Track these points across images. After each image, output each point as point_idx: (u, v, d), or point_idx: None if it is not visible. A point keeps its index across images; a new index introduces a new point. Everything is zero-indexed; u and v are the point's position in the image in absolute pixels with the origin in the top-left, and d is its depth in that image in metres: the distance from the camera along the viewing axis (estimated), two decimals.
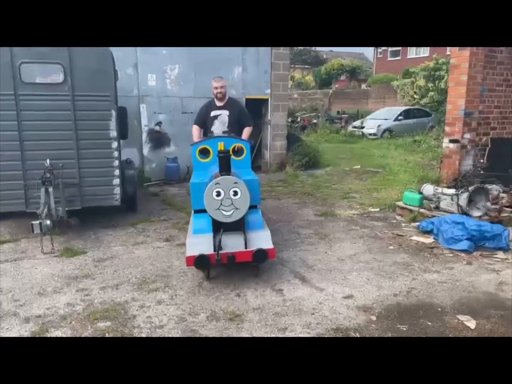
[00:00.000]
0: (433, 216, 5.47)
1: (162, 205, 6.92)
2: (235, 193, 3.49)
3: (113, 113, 5.27)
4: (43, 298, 3.53)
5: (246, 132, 5.12)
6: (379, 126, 16.82)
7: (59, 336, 2.95)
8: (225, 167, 3.61)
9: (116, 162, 5.39)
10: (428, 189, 6.01)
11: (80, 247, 4.77)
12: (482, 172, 6.25)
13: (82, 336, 2.94)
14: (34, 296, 3.57)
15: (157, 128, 9.00)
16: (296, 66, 33.79)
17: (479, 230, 4.61)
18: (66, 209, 4.97)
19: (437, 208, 5.77)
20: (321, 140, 15.83)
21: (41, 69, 4.98)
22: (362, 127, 17.31)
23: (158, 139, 9.08)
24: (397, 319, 3.18)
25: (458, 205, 5.43)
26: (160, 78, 8.88)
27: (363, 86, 27.87)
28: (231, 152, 4.03)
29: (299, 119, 20.15)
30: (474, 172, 6.32)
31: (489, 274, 4.01)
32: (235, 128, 5.10)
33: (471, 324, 3.09)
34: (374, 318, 3.20)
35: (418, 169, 9.31)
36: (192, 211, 4.05)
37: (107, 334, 2.97)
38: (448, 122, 6.91)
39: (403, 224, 5.64)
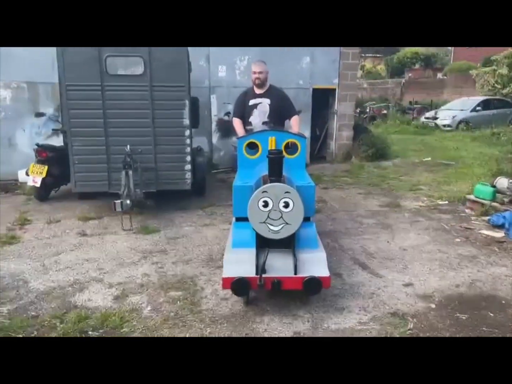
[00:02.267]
0: (506, 210, 5.24)
1: (228, 191, 7.21)
2: (286, 204, 2.85)
3: (187, 102, 5.62)
4: (123, 268, 3.94)
5: (296, 122, 4.64)
6: (454, 117, 16.00)
7: (137, 301, 3.31)
8: (275, 171, 3.03)
9: (188, 149, 5.75)
10: (502, 182, 5.74)
11: (155, 226, 5.18)
12: None
13: (158, 301, 3.28)
14: (116, 266, 3.99)
15: (226, 118, 9.34)
16: (367, 55, 32.83)
17: None
18: (143, 191, 5.42)
19: (511, 202, 5.51)
20: (391, 131, 15.40)
21: (124, 62, 5.43)
22: (436, 118, 16.55)
23: (227, 129, 9.43)
24: (457, 308, 3.18)
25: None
26: (230, 69, 9.19)
27: (439, 75, 26.50)
28: (283, 149, 3.64)
29: (368, 109, 19.70)
30: None
31: None
32: (276, 118, 4.66)
33: None
34: (433, 306, 3.23)
35: (494, 162, 8.82)
36: (233, 219, 3.54)
37: (178, 302, 3.29)
38: None
39: (472, 218, 5.46)
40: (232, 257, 3.11)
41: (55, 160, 6.24)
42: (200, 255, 4.24)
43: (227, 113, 9.32)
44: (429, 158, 10.45)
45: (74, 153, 5.50)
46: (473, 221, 5.33)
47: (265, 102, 4.61)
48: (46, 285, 3.59)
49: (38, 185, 6.10)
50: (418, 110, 19.61)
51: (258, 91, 4.66)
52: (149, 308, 3.21)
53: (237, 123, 4.70)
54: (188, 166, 5.78)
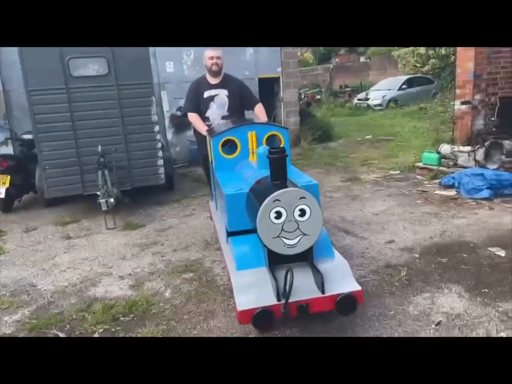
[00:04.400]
0: (452, 172, 5.95)
1: (195, 184, 7.41)
2: (302, 212, 2.38)
3: (154, 99, 5.74)
4: (127, 261, 4.06)
5: (261, 111, 4.21)
6: (384, 96, 17.16)
7: (155, 286, 3.49)
8: (279, 173, 2.50)
9: (159, 144, 5.88)
10: (446, 148, 6.49)
11: (138, 222, 5.29)
12: (494, 129, 6.69)
13: (175, 284, 3.49)
14: (118, 260, 4.11)
15: (178, 113, 9.43)
16: None
17: (498, 179, 5.11)
18: (120, 190, 5.48)
19: (455, 165, 6.25)
20: (328, 115, 16.19)
21: (87, 63, 5.42)
22: (367, 99, 17.64)
23: (180, 124, 9.54)
24: (437, 254, 3.70)
25: (475, 160, 5.92)
26: (178, 64, 9.30)
27: (362, 58, 28.00)
28: (264, 142, 3.31)
29: (303, 96, 20.45)
30: (487, 130, 6.76)
31: (510, 216, 4.51)
32: (237, 110, 4.26)
33: (501, 253, 3.61)
34: (417, 255, 3.73)
35: (431, 134, 9.74)
36: (225, 234, 3.02)
37: (194, 282, 3.51)
38: (459, 85, 7.33)
39: (425, 182, 6.14)
40: (243, 282, 2.53)
41: (16, 169, 6.08)
42: (195, 242, 4.46)
43: (179, 108, 9.42)
44: (370, 136, 11.26)
45: (44, 158, 5.42)
46: (426, 185, 6.00)
47: (222, 94, 4.18)
48: (56, 285, 3.65)
49: (2, 195, 5.93)
50: (349, 92, 20.69)
51: (213, 80, 4.19)
52: (169, 290, 3.41)
53: (194, 118, 4.19)
54: (160, 161, 5.90)
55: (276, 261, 2.57)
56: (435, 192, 5.58)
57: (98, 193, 5.18)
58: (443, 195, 5.41)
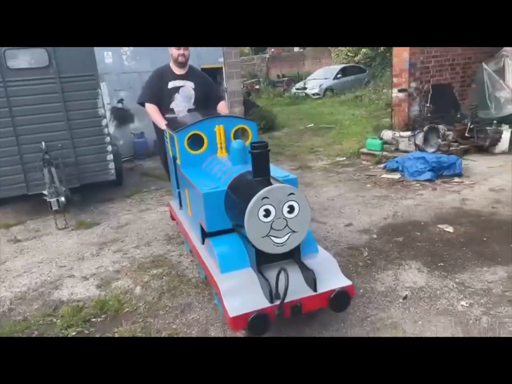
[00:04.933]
0: (395, 156, 6.32)
1: (144, 178, 7.24)
2: (291, 209, 2.29)
3: (100, 91, 5.51)
4: (87, 261, 3.92)
5: (225, 108, 4.16)
6: (321, 85, 17.67)
7: (123, 284, 3.41)
8: (263, 169, 2.36)
9: (108, 138, 5.66)
10: (387, 134, 6.86)
11: (90, 220, 5.09)
12: (429, 115, 7.17)
13: (144, 280, 3.42)
14: (77, 261, 3.95)
15: (119, 105, 9.10)
16: None
17: (438, 162, 5.50)
18: (69, 187, 5.23)
19: (397, 149, 6.64)
20: (268, 104, 16.40)
21: (26, 55, 5.08)
22: (305, 88, 18.06)
23: (122, 116, 9.20)
24: (393, 234, 3.95)
25: (415, 144, 6.32)
26: (116, 55, 8.94)
27: (296, 48, 28.52)
28: (232, 137, 3.19)
29: (242, 86, 20.49)
30: (423, 116, 7.22)
31: (452, 194, 4.90)
32: (203, 104, 4.09)
33: (450, 229, 3.92)
34: (375, 236, 3.95)
35: (369, 121, 10.21)
36: (200, 235, 2.95)
37: (164, 277, 3.47)
38: (396, 73, 7.74)
39: (370, 167, 6.46)
40: (231, 286, 2.40)
41: None
42: (157, 237, 4.38)
43: (120, 100, 9.10)
44: (312, 124, 11.58)
45: None
46: (372, 170, 6.32)
47: (189, 85, 4.01)
48: (13, 291, 3.44)
49: None
50: (286, 82, 21.06)
51: (178, 71, 4.01)
52: (139, 287, 3.34)
53: (152, 110, 3.96)
54: (110, 156, 5.69)
55: (262, 260, 2.48)
56: (382, 176, 5.90)
57: (45, 192, 4.91)
58: (389, 179, 5.73)
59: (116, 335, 2.73)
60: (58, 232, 4.78)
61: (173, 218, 4.26)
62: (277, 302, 2.28)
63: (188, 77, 4.03)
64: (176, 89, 3.98)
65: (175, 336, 2.69)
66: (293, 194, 2.28)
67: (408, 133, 6.57)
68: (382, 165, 6.33)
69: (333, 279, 2.49)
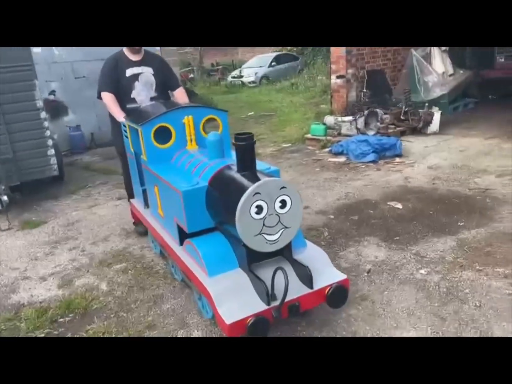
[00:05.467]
0: (339, 141, 6.58)
1: (87, 172, 6.94)
2: (283, 203, 2.18)
3: (36, 83, 5.18)
4: (41, 261, 3.72)
5: (184, 95, 3.94)
6: (256, 73, 17.79)
7: (87, 282, 3.29)
8: (248, 162, 2.27)
9: (48, 132, 5.35)
10: (330, 119, 7.12)
11: (36, 219, 4.81)
12: (367, 100, 7.53)
13: (108, 276, 3.33)
14: (30, 261, 3.74)
15: (51, 97, 8.60)
16: None
17: (380, 144, 5.82)
18: (9, 185, 4.91)
19: (340, 134, 6.91)
20: (207, 93, 16.26)
21: None
22: (241, 76, 18.09)
23: (55, 109, 8.70)
24: (348, 213, 4.15)
25: (356, 128, 6.62)
26: None
27: None
28: (201, 128, 3.03)
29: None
30: (361, 100, 7.56)
31: (395, 174, 5.22)
32: (165, 91, 3.90)
33: (399, 206, 4.20)
34: (332, 216, 4.12)
35: (307, 107, 10.48)
36: (178, 236, 2.75)
37: (130, 271, 3.40)
38: (333, 60, 8.01)
39: (317, 152, 6.68)
40: (222, 290, 2.26)
41: None
42: (113, 231, 4.25)
43: (52, 92, 8.59)
44: (252, 112, 11.68)
45: None
46: (318, 154, 6.54)
47: (148, 72, 3.74)
48: None
49: None
50: (221, 70, 20.95)
51: (133, 57, 3.73)
52: (104, 283, 3.25)
53: (108, 99, 3.67)
54: (51, 151, 5.39)
55: (251, 259, 2.35)
56: (328, 159, 6.13)
57: None
58: (336, 162, 5.98)
59: (91, 333, 2.65)
60: (2, 233, 4.48)
61: (135, 218, 3.99)
62: (275, 304, 2.18)
63: (145, 62, 3.75)
64: (135, 76, 3.71)
65: (153, 326, 2.67)
66: (285, 188, 2.16)
67: (350, 117, 6.86)
68: (327, 150, 6.57)
69: (327, 274, 2.42)
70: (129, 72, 3.72)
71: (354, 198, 4.54)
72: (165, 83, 3.87)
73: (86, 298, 3.04)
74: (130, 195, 4.02)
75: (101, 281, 3.29)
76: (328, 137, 6.91)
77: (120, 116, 3.61)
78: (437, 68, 8.31)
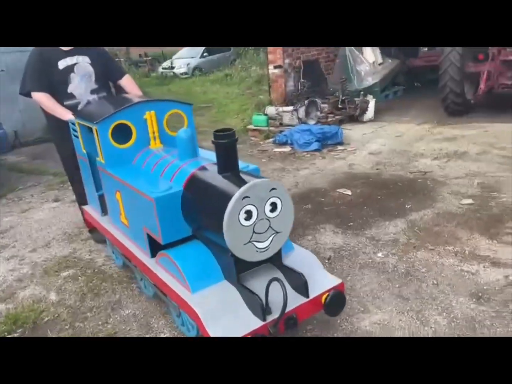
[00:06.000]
0: (282, 131, 6.62)
1: (14, 174, 6.38)
2: (273, 207, 1.99)
3: None
4: None
5: (132, 83, 3.56)
6: (188, 64, 17.42)
7: (33, 292, 3.02)
8: (231, 162, 2.09)
9: None
10: (271, 110, 7.14)
11: None
12: (305, 89, 7.63)
13: (56, 285, 3.08)
14: None
15: None
16: None
17: (322, 132, 5.93)
18: None
19: (281, 124, 6.96)
20: (139, 85, 15.64)
21: None
22: (173, 68, 17.63)
23: None
24: (301, 202, 4.18)
25: (298, 118, 6.69)
26: None
27: None
28: (165, 124, 2.77)
29: None
30: (300, 90, 7.65)
31: (339, 161, 5.35)
32: (106, 83, 3.50)
33: (348, 192, 4.30)
34: None
35: (245, 98, 10.45)
36: (148, 248, 2.46)
37: (79, 277, 3.17)
38: (270, 51, 8.02)
39: (261, 143, 6.68)
40: (209, 308, 2.01)
41: None
42: (55, 237, 3.95)
43: None
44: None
45: None
46: (263, 145, 6.54)
47: (84, 61, 3.30)
48: None
49: None
50: (150, 62, 20.27)
51: (63, 46, 3.25)
52: (53, 293, 3.00)
53: (46, 100, 3.22)
54: None
55: (239, 269, 2.13)
56: (274, 150, 6.15)
57: None
58: (281, 152, 6.01)
59: None
60: None
61: (90, 225, 3.57)
62: (270, 319, 1.96)
63: (79, 51, 3.28)
64: (70, 68, 3.26)
65: (114, 334, 2.51)
66: (275, 189, 1.97)
67: (291, 107, 6.92)
68: (271, 140, 6.58)
69: (320, 279, 2.22)
70: (62, 64, 3.25)
71: (304, 187, 4.59)
72: (106, 73, 3.46)
73: (35, 311, 2.79)
74: (81, 202, 3.60)
75: (48, 291, 3.04)
76: (271, 128, 6.92)
77: (66, 114, 3.19)
78: (368, 57, 8.63)
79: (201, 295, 2.09)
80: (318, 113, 6.84)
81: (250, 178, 2.02)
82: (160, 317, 2.64)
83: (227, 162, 2.08)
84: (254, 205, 1.92)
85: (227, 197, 1.90)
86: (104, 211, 3.12)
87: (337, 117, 7.15)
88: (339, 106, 7.30)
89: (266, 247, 2.03)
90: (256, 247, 2.00)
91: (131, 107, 2.66)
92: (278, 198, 1.99)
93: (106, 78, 3.50)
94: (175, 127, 2.84)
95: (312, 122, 6.68)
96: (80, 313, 2.75)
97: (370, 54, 8.65)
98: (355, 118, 7.27)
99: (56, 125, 3.36)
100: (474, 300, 2.50)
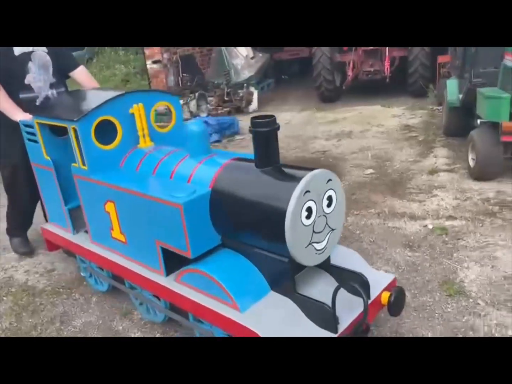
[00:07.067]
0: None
1: None
2: (330, 200, 1.79)
3: None
4: None
5: (88, 75, 3.14)
6: None
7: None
8: (272, 154, 1.83)
9: None
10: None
11: None
12: (189, 84, 7.62)
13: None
14: None
15: None
16: None
17: (219, 124, 6.02)
18: None
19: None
20: None
21: None
22: None
23: None
24: None
25: (189, 111, 6.67)
26: None
27: None
28: (152, 119, 2.44)
29: None
30: (183, 84, 7.60)
31: (243, 149, 5.52)
32: (62, 76, 3.03)
33: None
34: None
35: None
36: (161, 265, 2.09)
37: (4, 297, 2.75)
38: None
39: None
40: (271, 327, 1.70)
41: None
42: None
43: None
44: None
45: None
46: None
47: (40, 49, 2.81)
48: None
49: None
50: None
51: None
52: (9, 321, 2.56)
53: None
54: None
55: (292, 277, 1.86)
56: None
57: None
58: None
59: None
60: None
61: (52, 248, 2.98)
62: (342, 329, 1.71)
63: None
64: (27, 55, 2.77)
65: None
66: (331, 180, 1.76)
67: (181, 101, 6.84)
68: None
69: (374, 276, 1.96)
70: (18, 50, 2.74)
71: None
72: (63, 64, 2.96)
73: None
74: (25, 222, 3.14)
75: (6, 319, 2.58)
76: (162, 123, 6.75)
77: (17, 113, 2.69)
78: (241, 51, 8.97)
79: (253, 313, 1.78)
80: (208, 105, 6.91)
81: (297, 170, 1.79)
82: (122, 318, 2.47)
83: (269, 154, 1.81)
84: (313, 201, 1.71)
85: (285, 193, 1.67)
86: (76, 228, 2.65)
87: (225, 109, 7.30)
88: (226, 98, 7.47)
89: (324, 247, 1.81)
90: (316, 248, 1.78)
91: (115, 99, 2.25)
92: (333, 190, 1.79)
93: (61, 70, 2.99)
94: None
95: (203, 114, 6.73)
96: (23, 334, 2.41)
97: (243, 48, 9.00)
98: (241, 110, 7.52)
99: (6, 124, 2.79)
100: (408, 249, 2.88)
